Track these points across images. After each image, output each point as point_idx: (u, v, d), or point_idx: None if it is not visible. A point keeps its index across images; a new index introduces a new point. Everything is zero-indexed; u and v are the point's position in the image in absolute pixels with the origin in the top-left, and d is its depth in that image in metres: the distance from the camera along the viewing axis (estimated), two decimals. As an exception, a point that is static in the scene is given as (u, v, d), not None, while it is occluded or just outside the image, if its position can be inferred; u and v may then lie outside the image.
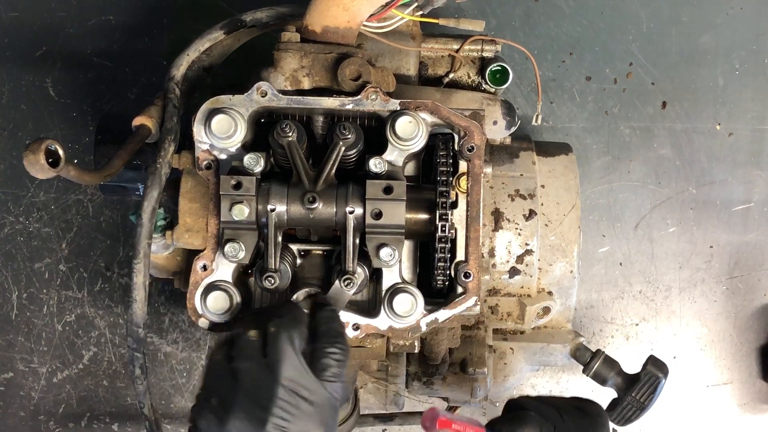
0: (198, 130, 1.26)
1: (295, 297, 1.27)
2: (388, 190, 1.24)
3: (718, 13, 2.03)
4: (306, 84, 1.33)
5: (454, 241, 1.29)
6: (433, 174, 1.32)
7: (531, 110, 2.01)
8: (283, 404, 1.07)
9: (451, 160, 1.28)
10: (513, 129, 1.51)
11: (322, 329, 1.17)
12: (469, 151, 1.28)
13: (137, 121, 1.32)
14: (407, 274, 1.34)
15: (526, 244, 1.50)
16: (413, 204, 1.28)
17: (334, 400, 1.13)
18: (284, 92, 1.28)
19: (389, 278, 1.28)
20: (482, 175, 1.29)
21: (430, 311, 1.28)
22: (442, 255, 1.27)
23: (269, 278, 1.24)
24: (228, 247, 1.25)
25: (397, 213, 1.24)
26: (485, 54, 1.54)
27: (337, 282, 1.25)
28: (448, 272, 1.30)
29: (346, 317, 1.28)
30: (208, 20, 1.46)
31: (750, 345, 2.09)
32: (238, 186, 1.23)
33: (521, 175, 1.54)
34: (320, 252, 1.35)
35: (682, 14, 2.03)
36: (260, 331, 1.14)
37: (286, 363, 1.10)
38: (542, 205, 1.53)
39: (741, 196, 2.06)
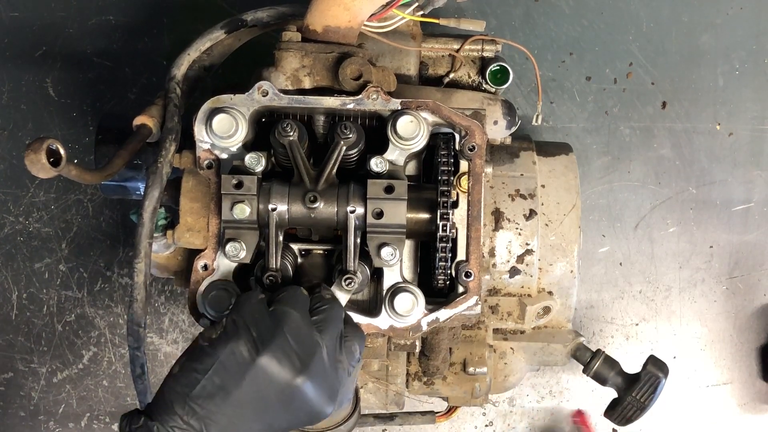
0: (199, 130, 1.26)
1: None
2: (389, 189, 1.24)
3: (718, 13, 2.04)
4: (307, 83, 1.33)
5: (455, 241, 1.29)
6: (434, 173, 1.32)
7: (531, 110, 2.01)
8: (319, 363, 1.06)
9: (452, 160, 1.28)
10: (513, 129, 1.51)
11: (348, 320, 1.19)
12: (470, 150, 1.28)
13: (138, 120, 1.32)
14: (408, 274, 1.34)
15: (527, 244, 1.51)
16: (414, 203, 1.28)
17: (350, 386, 1.14)
18: (285, 92, 1.28)
19: (390, 278, 1.28)
20: (483, 174, 1.29)
21: (430, 311, 1.28)
22: (443, 254, 1.27)
23: (270, 278, 1.25)
24: (229, 247, 1.25)
25: (398, 212, 1.24)
26: (485, 54, 1.54)
27: (333, 287, 1.25)
28: (448, 272, 1.29)
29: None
30: (208, 20, 1.46)
31: (750, 345, 2.09)
32: (239, 185, 1.23)
33: (521, 174, 1.54)
34: (321, 251, 1.35)
35: (682, 14, 2.04)
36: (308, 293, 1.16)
37: (332, 329, 1.11)
38: (542, 204, 1.53)
39: (741, 196, 2.06)
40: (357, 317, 1.28)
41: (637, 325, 2.07)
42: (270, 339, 1.03)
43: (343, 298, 1.24)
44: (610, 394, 1.54)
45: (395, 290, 1.27)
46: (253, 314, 1.06)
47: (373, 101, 1.27)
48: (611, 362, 1.54)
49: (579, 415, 1.97)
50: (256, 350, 1.02)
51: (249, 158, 1.24)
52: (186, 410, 1.01)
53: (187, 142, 1.30)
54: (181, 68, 1.39)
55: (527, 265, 1.51)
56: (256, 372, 1.02)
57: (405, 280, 1.29)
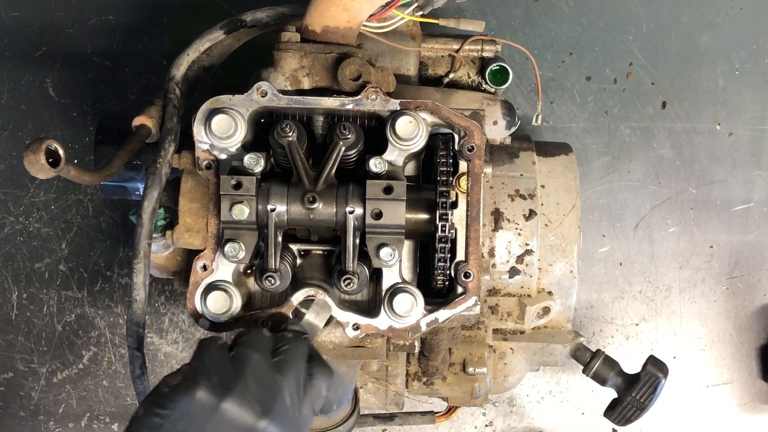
0: (198, 130, 1.26)
1: (294, 297, 1.27)
2: (388, 190, 1.24)
3: (718, 13, 2.03)
4: (306, 84, 1.33)
5: (454, 241, 1.29)
6: (433, 174, 1.32)
7: (531, 110, 2.01)
8: (281, 405, 1.06)
9: (451, 160, 1.28)
10: (513, 129, 1.51)
11: (314, 357, 1.17)
12: (470, 151, 1.28)
13: (137, 121, 1.32)
14: (407, 274, 1.34)
15: (526, 244, 1.51)
16: (413, 204, 1.28)
17: (306, 423, 1.12)
18: (284, 92, 1.28)
19: (389, 278, 1.28)
20: (482, 175, 1.29)
21: (430, 311, 1.28)
22: (442, 255, 1.27)
23: (269, 278, 1.24)
24: (228, 247, 1.25)
25: (397, 213, 1.24)
26: (485, 54, 1.54)
27: (307, 315, 1.25)
28: (448, 272, 1.29)
29: (346, 317, 1.28)
30: (208, 20, 1.46)
31: (750, 345, 2.09)
32: (238, 186, 1.23)
33: (521, 175, 1.54)
34: (320, 252, 1.35)
35: (682, 14, 2.03)
36: (273, 334, 1.15)
37: (294, 368, 1.10)
38: (542, 205, 1.53)
39: (741, 196, 2.06)
40: (356, 317, 1.28)
41: (637, 325, 2.07)
42: (231, 384, 1.03)
43: (320, 321, 1.24)
44: (610, 394, 1.54)
45: (394, 291, 1.27)
46: (214, 359, 1.07)
47: (372, 102, 1.27)
48: (611, 362, 1.54)
49: None
50: (218, 396, 1.02)
51: (248, 159, 1.24)
52: None
53: (187, 143, 1.30)
54: (180, 69, 1.39)
55: (527, 265, 1.51)
56: (219, 417, 1.02)
57: (404, 281, 1.29)
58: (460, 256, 1.29)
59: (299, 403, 1.10)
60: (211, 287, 1.27)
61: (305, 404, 1.11)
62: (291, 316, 1.26)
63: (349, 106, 1.27)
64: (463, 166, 1.29)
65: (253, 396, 1.04)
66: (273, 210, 1.24)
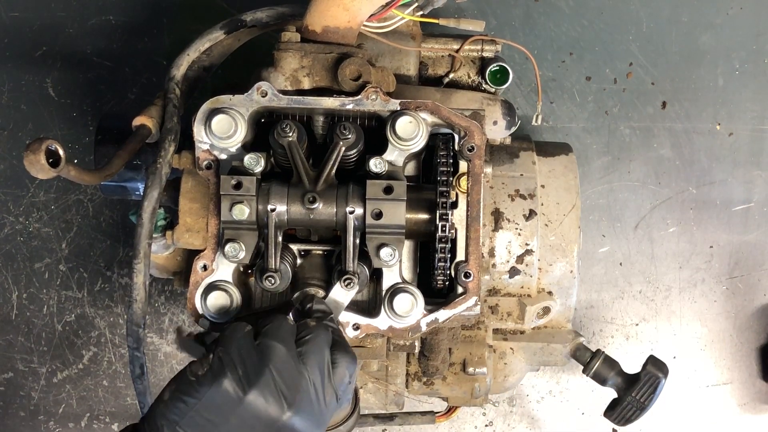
0: (198, 130, 1.26)
1: (295, 297, 1.27)
2: (388, 190, 1.24)
3: (718, 13, 2.03)
4: (306, 84, 1.33)
5: (454, 241, 1.29)
6: (433, 174, 1.32)
7: (531, 110, 2.01)
8: (305, 396, 1.07)
9: (451, 160, 1.28)
10: (513, 129, 1.51)
11: (338, 343, 1.18)
12: (470, 151, 1.28)
13: (137, 121, 1.32)
14: (407, 274, 1.34)
15: (526, 244, 1.51)
16: (413, 204, 1.28)
17: (329, 412, 1.13)
18: (284, 92, 1.28)
19: (389, 278, 1.28)
20: (482, 175, 1.29)
21: (430, 311, 1.28)
22: (443, 255, 1.27)
23: (269, 278, 1.25)
24: (228, 247, 1.25)
25: (398, 213, 1.24)
26: (485, 54, 1.54)
27: (337, 285, 1.25)
28: (448, 272, 1.30)
29: (347, 317, 1.28)
30: (208, 20, 1.46)
31: (750, 345, 2.09)
32: (238, 186, 1.23)
33: (521, 175, 1.54)
34: (320, 252, 1.35)
35: (682, 14, 2.03)
36: (297, 321, 1.16)
37: (318, 359, 1.11)
38: (542, 205, 1.53)
39: (741, 196, 2.06)
40: (356, 317, 1.28)
41: (637, 325, 2.07)
42: (256, 376, 1.05)
43: (345, 298, 1.25)
44: (610, 394, 1.54)
45: (394, 291, 1.27)
46: (239, 350, 1.08)
47: (372, 102, 1.27)
48: (611, 362, 1.54)
49: None
50: (243, 388, 1.04)
51: (248, 159, 1.24)
52: None
53: (187, 143, 1.30)
54: (180, 68, 1.39)
55: (527, 265, 1.51)
56: (244, 409, 1.04)
57: (404, 281, 1.29)
58: (461, 256, 1.29)
59: (323, 393, 1.11)
60: (212, 287, 1.27)
61: (329, 393, 1.12)
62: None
63: (349, 106, 1.27)
64: (463, 166, 1.29)
65: (278, 388, 1.05)
66: (273, 210, 1.24)
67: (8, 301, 2.01)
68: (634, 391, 1.49)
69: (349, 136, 1.24)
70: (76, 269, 2.01)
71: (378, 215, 1.24)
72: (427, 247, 1.34)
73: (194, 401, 1.04)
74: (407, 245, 1.34)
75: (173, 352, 2.03)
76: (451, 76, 1.54)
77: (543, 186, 1.54)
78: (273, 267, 1.25)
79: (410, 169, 1.35)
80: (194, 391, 1.04)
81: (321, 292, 1.27)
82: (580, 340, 1.57)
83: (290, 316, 1.19)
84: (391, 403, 1.53)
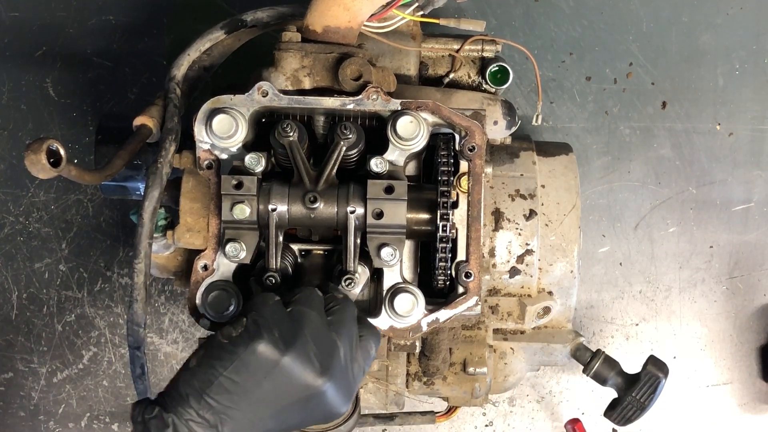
0: (199, 130, 1.26)
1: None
2: (389, 189, 1.24)
3: (718, 13, 2.04)
4: (307, 84, 1.33)
5: (455, 241, 1.29)
6: (434, 174, 1.32)
7: (531, 110, 2.01)
8: (338, 364, 1.07)
9: (452, 160, 1.28)
10: (513, 129, 1.51)
11: (362, 319, 1.20)
12: (470, 150, 1.28)
13: (138, 121, 1.32)
14: (408, 274, 1.34)
15: (527, 244, 1.51)
16: (414, 204, 1.28)
17: (357, 384, 1.14)
18: (285, 92, 1.28)
19: (390, 278, 1.28)
20: (483, 174, 1.29)
21: (430, 311, 1.28)
22: (443, 255, 1.27)
23: (270, 278, 1.25)
24: (229, 247, 1.25)
25: (398, 213, 1.24)
26: (485, 54, 1.54)
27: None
28: (449, 272, 1.29)
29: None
30: (208, 20, 1.46)
31: (750, 345, 2.09)
32: (239, 186, 1.23)
33: (521, 175, 1.54)
34: (321, 252, 1.35)
35: (682, 14, 2.04)
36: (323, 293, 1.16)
37: (348, 329, 1.12)
38: (542, 205, 1.53)
39: (741, 196, 2.06)
40: (357, 317, 1.28)
41: (637, 325, 2.07)
42: (292, 340, 1.03)
43: (352, 296, 1.25)
44: (610, 394, 1.54)
45: (395, 291, 1.27)
46: (273, 315, 1.06)
47: (373, 102, 1.27)
48: (611, 362, 1.54)
49: (575, 422, 1.98)
50: (280, 351, 1.02)
51: (249, 159, 1.24)
52: (202, 404, 1.00)
53: (187, 143, 1.30)
54: (180, 68, 1.39)
55: (527, 265, 1.51)
56: (279, 372, 1.02)
57: (405, 281, 1.29)
58: (461, 256, 1.29)
59: (352, 363, 1.11)
60: (212, 287, 1.27)
61: (357, 364, 1.12)
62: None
63: (350, 106, 1.27)
64: (463, 166, 1.29)
65: (313, 353, 1.04)
66: (274, 210, 1.24)
67: (8, 301, 2.01)
68: (634, 391, 1.49)
69: (350, 136, 1.24)
70: (76, 269, 2.01)
71: (379, 215, 1.24)
72: (428, 247, 1.34)
73: (225, 365, 1.01)
74: (408, 245, 1.34)
75: (173, 352, 2.03)
76: (452, 76, 1.54)
77: (543, 186, 1.54)
78: (274, 267, 1.25)
79: (411, 169, 1.35)
80: (227, 354, 1.01)
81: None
82: (580, 340, 1.57)
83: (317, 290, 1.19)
84: (391, 403, 1.53)
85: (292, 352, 1.02)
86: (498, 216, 1.49)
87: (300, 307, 1.09)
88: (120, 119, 1.47)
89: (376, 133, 1.30)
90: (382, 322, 1.28)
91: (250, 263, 1.28)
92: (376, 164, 1.26)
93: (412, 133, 1.26)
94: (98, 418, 2.04)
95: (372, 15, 1.35)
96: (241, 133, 1.25)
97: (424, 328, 1.28)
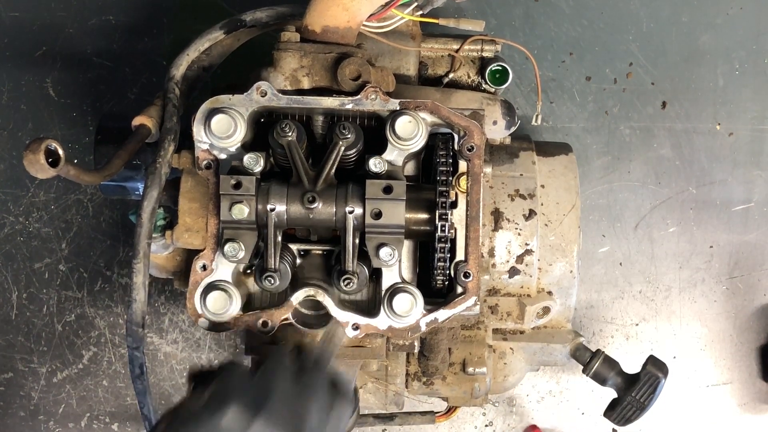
0: (198, 130, 1.26)
1: (293, 297, 1.27)
2: (387, 189, 1.24)
3: (718, 13, 2.03)
4: (306, 84, 1.33)
5: (453, 241, 1.29)
6: (432, 174, 1.32)
7: (531, 110, 2.01)
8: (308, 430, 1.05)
9: (450, 160, 1.28)
10: (513, 129, 1.51)
11: (337, 383, 1.16)
12: (469, 150, 1.28)
13: (137, 121, 1.32)
14: (407, 274, 1.34)
15: (526, 244, 1.50)
16: (413, 204, 1.28)
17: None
18: (284, 92, 1.28)
19: (389, 278, 1.28)
20: (482, 174, 1.29)
21: (429, 311, 1.28)
22: (442, 255, 1.27)
23: (269, 278, 1.25)
24: (228, 247, 1.25)
25: (397, 213, 1.24)
26: (485, 54, 1.54)
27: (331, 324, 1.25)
28: (447, 272, 1.29)
29: (346, 317, 1.28)
30: (208, 20, 1.46)
31: (750, 345, 2.09)
32: (237, 186, 1.23)
33: (521, 175, 1.54)
34: (320, 252, 1.35)
35: (682, 14, 2.03)
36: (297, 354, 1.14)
37: (319, 394, 1.09)
38: (542, 205, 1.53)
39: (741, 196, 2.06)
40: (356, 317, 1.28)
41: (637, 325, 2.07)
42: (262, 406, 1.01)
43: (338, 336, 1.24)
44: (610, 394, 1.54)
45: (394, 291, 1.27)
46: (242, 380, 1.05)
47: (372, 101, 1.27)
48: (611, 362, 1.54)
49: (533, 429, 1.99)
50: (249, 416, 0.99)
51: (248, 158, 1.24)
52: None
53: (186, 143, 1.30)
54: (180, 68, 1.39)
55: (527, 265, 1.51)
56: None
57: (404, 281, 1.29)
58: (460, 256, 1.29)
59: (323, 429, 1.08)
60: (211, 287, 1.27)
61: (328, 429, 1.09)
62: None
63: (349, 106, 1.27)
64: (462, 165, 1.29)
65: (283, 418, 1.02)
66: (273, 210, 1.24)
67: (8, 301, 2.01)
68: (634, 391, 1.49)
69: (349, 136, 1.24)
70: (76, 269, 2.01)
71: (377, 215, 1.24)
72: (427, 247, 1.34)
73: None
74: (407, 245, 1.34)
75: (173, 352, 2.03)
76: (451, 76, 1.54)
77: (543, 186, 1.54)
78: (272, 267, 1.25)
79: (410, 168, 1.35)
80: (193, 421, 0.99)
81: (321, 292, 1.27)
82: (580, 340, 1.57)
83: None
84: (390, 403, 1.53)
85: (262, 417, 0.99)
86: (497, 216, 1.49)
87: (267, 374, 1.07)
88: (120, 119, 1.47)
89: (374, 133, 1.30)
90: (380, 322, 1.28)
91: (248, 263, 1.28)
92: (375, 164, 1.26)
93: (410, 133, 1.26)
94: (98, 418, 2.04)
95: (371, 15, 1.35)
96: (240, 133, 1.25)
97: (423, 328, 1.28)
